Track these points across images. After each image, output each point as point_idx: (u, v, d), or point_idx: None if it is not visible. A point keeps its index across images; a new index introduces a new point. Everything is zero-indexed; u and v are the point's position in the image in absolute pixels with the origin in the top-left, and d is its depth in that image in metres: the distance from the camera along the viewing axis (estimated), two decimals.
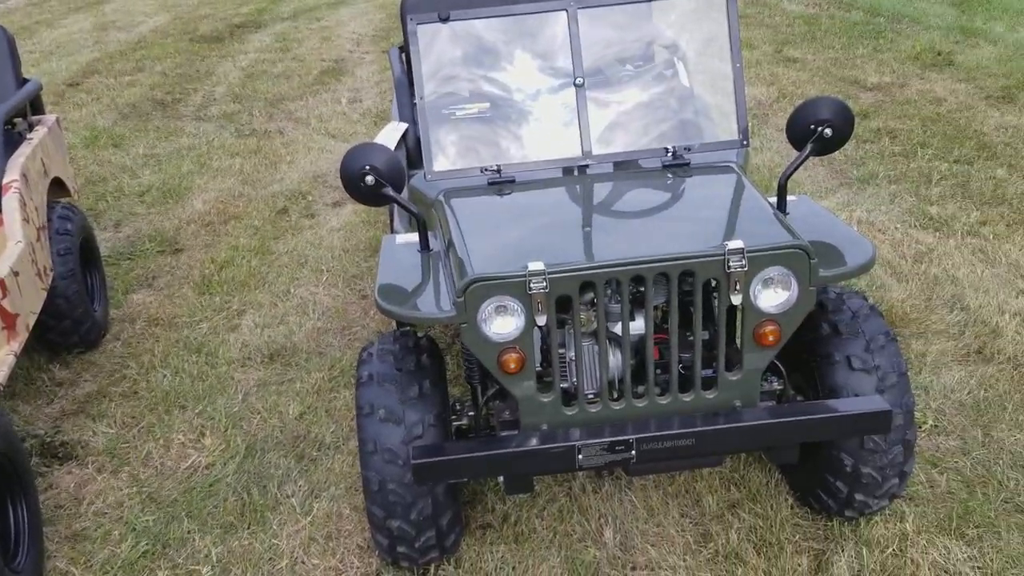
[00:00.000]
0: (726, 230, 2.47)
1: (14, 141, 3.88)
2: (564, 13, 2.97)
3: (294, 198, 5.68)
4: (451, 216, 2.74)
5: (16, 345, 3.17)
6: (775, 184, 2.82)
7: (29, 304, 3.37)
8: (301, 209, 5.53)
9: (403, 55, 4.36)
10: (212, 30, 11.49)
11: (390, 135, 3.69)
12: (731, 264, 2.30)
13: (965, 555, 2.63)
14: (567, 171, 2.95)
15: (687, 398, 2.46)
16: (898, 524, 2.74)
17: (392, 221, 3.92)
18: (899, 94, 7.25)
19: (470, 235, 2.56)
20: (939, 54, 8.36)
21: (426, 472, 2.32)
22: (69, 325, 3.83)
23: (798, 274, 2.34)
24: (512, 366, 2.35)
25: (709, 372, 2.49)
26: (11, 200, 3.50)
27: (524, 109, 3.04)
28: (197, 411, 3.54)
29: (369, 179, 2.59)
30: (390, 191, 2.62)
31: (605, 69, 3.13)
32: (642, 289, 2.38)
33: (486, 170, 2.92)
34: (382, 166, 2.61)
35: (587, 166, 2.94)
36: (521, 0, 3.08)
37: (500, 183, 2.90)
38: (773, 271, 2.34)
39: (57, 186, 4.12)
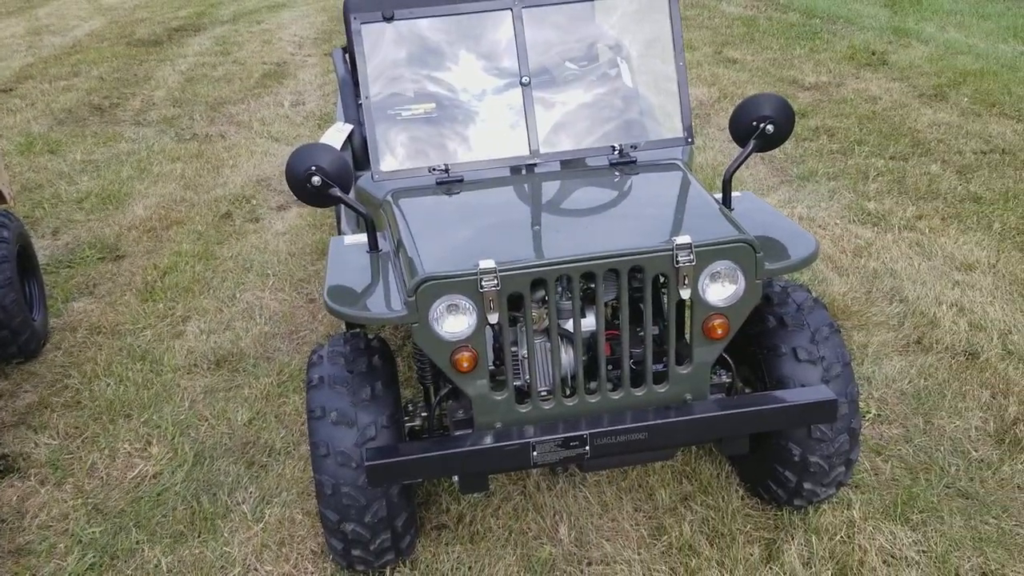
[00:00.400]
0: (673, 226, 2.50)
1: None
2: (509, 12, 2.97)
3: (238, 202, 5.62)
4: (400, 216, 2.73)
5: None
6: (719, 182, 2.86)
7: None
8: (245, 213, 5.46)
9: (347, 56, 4.33)
10: (150, 34, 11.32)
11: (335, 136, 3.67)
12: (679, 259, 2.33)
13: (910, 539, 2.70)
14: (515, 170, 2.96)
15: (639, 393, 2.48)
16: (845, 511, 2.80)
17: (339, 223, 3.90)
18: (836, 93, 7.40)
19: (420, 235, 2.56)
20: (873, 54, 8.55)
21: (380, 474, 2.31)
22: (7, 335, 3.74)
23: (744, 268, 2.38)
24: (465, 365, 2.35)
25: (659, 367, 2.52)
26: None
27: (471, 109, 3.04)
28: (143, 420, 3.48)
29: (316, 180, 2.58)
30: (337, 191, 2.60)
31: (550, 69, 3.15)
32: (592, 286, 2.41)
33: (434, 170, 2.91)
34: (328, 166, 2.60)
35: (535, 165, 2.95)
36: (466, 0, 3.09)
37: (448, 183, 2.90)
38: (720, 265, 2.37)
39: None
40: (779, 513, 2.81)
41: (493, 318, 2.32)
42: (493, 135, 3.02)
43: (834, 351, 2.63)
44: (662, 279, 2.47)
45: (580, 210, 2.68)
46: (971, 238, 4.65)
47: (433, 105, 3.03)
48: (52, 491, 3.14)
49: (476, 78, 3.08)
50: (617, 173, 2.90)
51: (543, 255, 2.36)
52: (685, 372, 2.49)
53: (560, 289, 2.44)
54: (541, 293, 2.42)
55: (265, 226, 5.27)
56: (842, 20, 10.19)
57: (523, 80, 2.95)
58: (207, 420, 3.46)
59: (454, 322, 2.33)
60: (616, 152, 2.96)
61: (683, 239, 2.34)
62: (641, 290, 2.45)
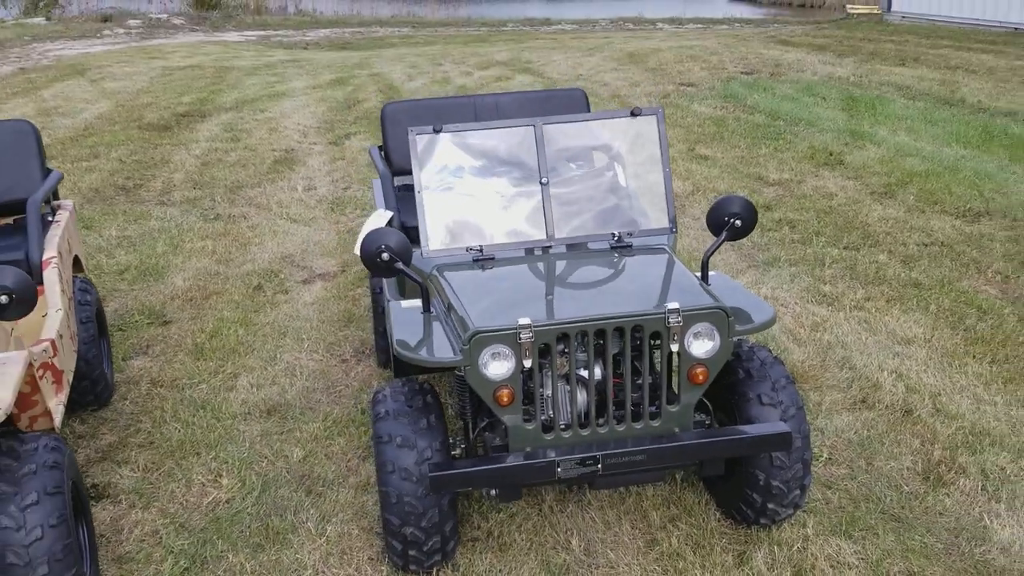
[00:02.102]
0: (665, 295, 3.22)
1: (44, 223, 4.45)
2: (532, 128, 3.73)
3: (267, 276, 6.29)
4: (447, 285, 3.44)
5: (63, 397, 3.71)
6: (695, 264, 3.60)
7: (68, 363, 3.91)
8: (275, 286, 6.14)
9: (383, 153, 5.07)
10: (158, 119, 12.08)
11: (378, 220, 4.40)
12: (670, 320, 3.05)
13: (852, 550, 3.37)
14: (534, 250, 3.68)
15: (638, 426, 3.18)
16: (801, 529, 3.47)
17: (376, 291, 4.59)
18: (797, 189, 8.27)
19: (466, 299, 3.26)
20: (831, 154, 9.48)
21: (442, 483, 2.97)
22: (87, 385, 4.36)
23: (720, 328, 3.10)
24: (505, 400, 3.03)
25: (653, 408, 3.20)
26: (52, 274, 4.07)
27: (500, 201, 3.78)
28: (211, 456, 4.09)
29: (385, 256, 3.29)
30: (401, 265, 3.31)
31: (561, 171, 3.91)
32: (601, 341, 3.11)
33: (471, 249, 3.63)
34: (395, 245, 3.31)
35: (550, 247, 3.68)
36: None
37: (482, 260, 3.61)
38: (701, 326, 3.09)
39: (75, 263, 4.68)
40: (748, 530, 3.48)
41: (527, 363, 3.01)
42: (517, 222, 3.75)
43: (790, 397, 3.34)
44: (655, 337, 3.17)
45: (590, 282, 3.40)
46: (911, 317, 5.42)
47: (470, 197, 3.76)
48: (140, 513, 3.74)
49: (504, 178, 3.83)
50: (616, 255, 3.63)
51: (567, 315, 3.06)
52: (674, 410, 3.19)
53: (577, 343, 3.13)
54: (562, 346, 3.11)
55: (294, 297, 5.94)
56: (803, 122, 11.17)
57: (542, 180, 3.69)
58: (267, 457, 4.08)
59: (497, 366, 3.02)
60: (615, 238, 3.70)
61: (673, 305, 3.05)
62: (639, 345, 3.16)
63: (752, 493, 3.35)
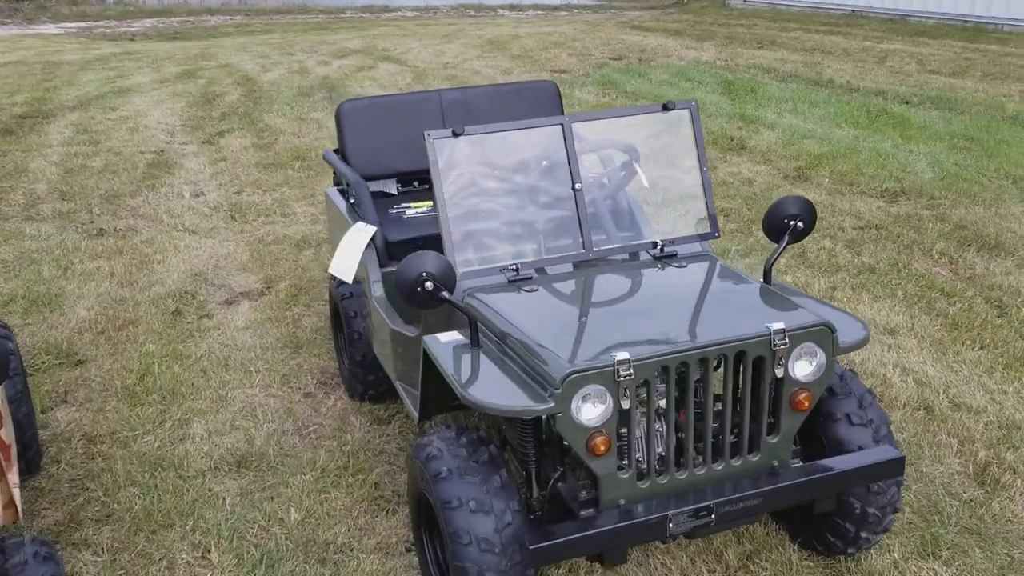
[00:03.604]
0: (760, 313, 2.85)
1: None
2: (560, 127, 3.29)
3: (182, 299, 5.55)
4: (494, 312, 2.96)
5: (16, 476, 3.00)
6: None
7: (10, 432, 3.19)
8: (195, 310, 5.42)
9: (340, 157, 4.49)
10: None
11: (360, 238, 3.85)
12: (776, 342, 2.69)
13: (948, 574, 3.13)
14: (575, 265, 3.25)
15: (737, 463, 2.81)
16: (888, 554, 3.20)
17: (356, 315, 4.03)
18: (714, 176, 8.12)
19: (531, 329, 2.79)
20: (731, 139, 9.42)
21: (544, 556, 2.50)
22: (18, 450, 3.60)
23: (824, 347, 2.77)
24: (602, 449, 2.59)
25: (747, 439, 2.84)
26: None
27: (530, 212, 3.32)
28: (189, 527, 3.45)
29: (428, 284, 2.77)
30: (446, 294, 2.81)
31: (594, 174, 3.49)
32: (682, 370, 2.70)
33: (505, 269, 3.16)
34: (436, 272, 2.80)
35: (590, 260, 3.25)
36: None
37: (519, 280, 3.14)
38: (807, 345, 2.74)
39: None
40: (832, 561, 3.18)
41: (625, 404, 2.59)
42: (548, 234, 3.31)
43: (878, 414, 3.05)
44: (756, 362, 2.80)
45: (662, 302, 3.00)
46: (884, 305, 5.30)
47: (497, 209, 3.29)
48: None
49: (532, 185, 3.38)
50: (666, 266, 3.25)
51: (665, 345, 2.65)
52: (774, 441, 2.83)
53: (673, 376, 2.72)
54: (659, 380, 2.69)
55: (222, 321, 5.25)
56: None
57: (575, 186, 3.26)
58: (257, 522, 3.47)
59: (591, 410, 2.57)
60: (657, 247, 3.32)
61: (778, 325, 2.70)
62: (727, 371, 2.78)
63: (845, 523, 3.04)
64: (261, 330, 5.12)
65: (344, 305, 4.15)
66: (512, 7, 28.54)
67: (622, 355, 2.55)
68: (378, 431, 4.08)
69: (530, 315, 2.92)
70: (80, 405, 4.34)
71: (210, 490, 3.67)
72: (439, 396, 3.18)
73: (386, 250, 3.94)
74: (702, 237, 3.42)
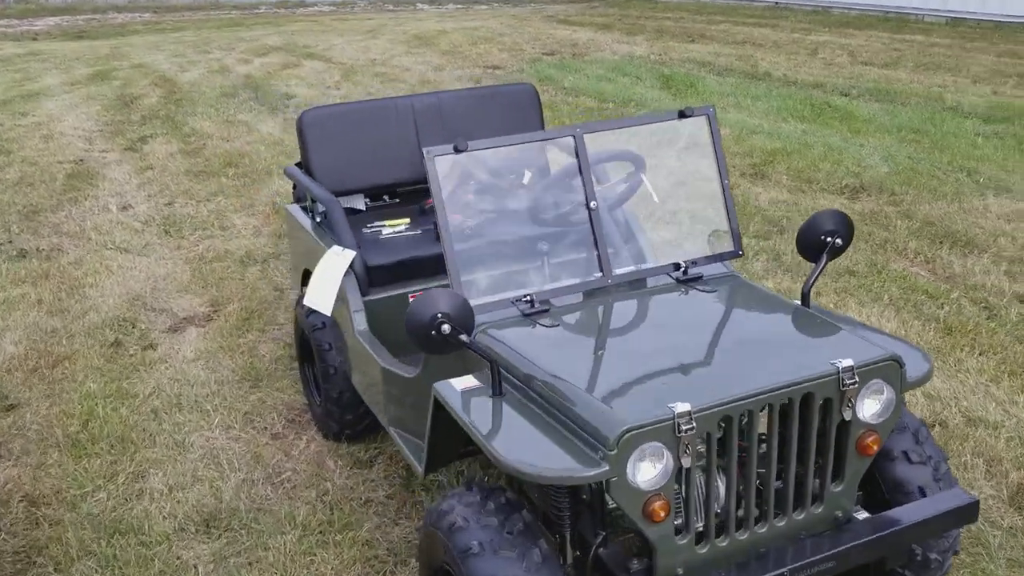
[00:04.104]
0: (822, 347, 2.54)
1: None
2: (571, 139, 2.94)
3: (122, 327, 5.04)
4: (513, 352, 2.60)
5: None
6: None
7: None
8: (137, 340, 4.92)
9: (304, 172, 4.07)
10: None
11: (338, 263, 3.46)
12: (845, 381, 2.39)
13: None
14: (587, 293, 2.91)
15: (799, 516, 2.50)
16: None
17: (330, 347, 3.63)
18: None
19: (565, 374, 2.43)
20: None
21: None
22: None
23: (892, 383, 2.48)
24: (661, 514, 2.25)
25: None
26: None
27: (540, 233, 2.97)
28: None
29: (445, 328, 2.40)
30: (465, 337, 2.44)
31: (606, 190, 3.16)
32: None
33: (518, 300, 2.80)
34: (453, 312, 2.43)
35: (609, 287, 2.92)
36: None
37: (534, 313, 2.79)
38: (875, 383, 2.45)
39: None
40: None
41: (685, 462, 2.25)
42: (563, 259, 2.97)
43: (935, 449, 2.78)
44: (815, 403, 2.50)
45: (704, 335, 2.67)
46: (872, 311, 5.10)
47: (502, 231, 2.93)
48: None
49: (541, 204, 3.04)
50: (691, 290, 2.93)
51: (727, 391, 2.32)
52: (838, 490, 2.53)
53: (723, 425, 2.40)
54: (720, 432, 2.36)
55: (169, 353, 4.76)
56: (633, 104, 10.89)
57: (590, 205, 2.91)
58: None
59: (649, 470, 2.23)
60: (680, 270, 3.00)
61: (846, 362, 2.40)
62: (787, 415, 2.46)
63: (905, 571, 2.76)
64: (213, 361, 4.65)
65: (316, 337, 3.73)
66: (431, 1, 28.04)
67: (682, 406, 2.22)
68: (360, 476, 3.68)
69: (558, 356, 2.56)
70: (17, 459, 3.83)
71: (179, 558, 3.23)
72: (448, 446, 2.81)
73: (367, 276, 3.54)
74: (724, 256, 3.11)
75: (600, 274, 2.92)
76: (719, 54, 14.38)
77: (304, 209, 4.17)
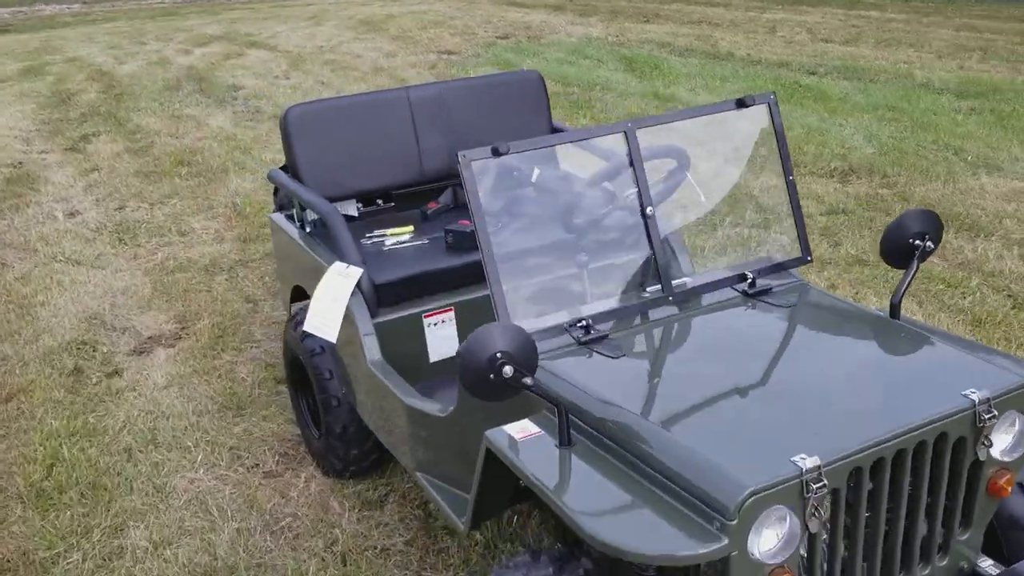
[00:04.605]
0: (945, 374, 2.18)
1: None
2: (623, 135, 2.55)
3: (80, 352, 4.53)
4: (574, 389, 2.20)
5: None
6: None
7: None
8: (99, 366, 4.41)
9: (291, 176, 3.61)
10: None
11: (343, 284, 3.03)
12: (982, 416, 2.04)
13: None
14: (647, 312, 2.52)
15: (924, 572, 2.15)
16: None
17: (322, 366, 3.21)
18: None
19: (653, 419, 2.05)
20: None
21: None
22: None
23: None
24: None
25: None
26: None
27: (588, 245, 2.58)
28: None
29: (507, 370, 2.00)
30: (530, 379, 2.04)
31: (660, 194, 2.78)
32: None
33: (572, 326, 2.40)
34: (515, 350, 2.03)
35: (670, 303, 2.54)
36: None
37: (590, 340, 2.39)
38: (1010, 415, 2.11)
39: None
40: None
41: (813, 527, 1.88)
42: (618, 273, 2.58)
43: None
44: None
45: (799, 363, 2.30)
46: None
47: (548, 243, 2.53)
48: None
49: (593, 211, 2.64)
50: (763, 305, 2.57)
51: (854, 438, 1.94)
52: (964, 538, 2.19)
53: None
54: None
55: (137, 379, 4.27)
56: (599, 88, 10.51)
57: (647, 211, 2.53)
58: None
59: (771, 539, 1.86)
60: (748, 281, 2.63)
61: (981, 393, 2.05)
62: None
63: None
64: (188, 387, 4.17)
65: (315, 364, 3.29)
66: None
67: (811, 460, 1.84)
68: (372, 519, 3.26)
69: (634, 395, 2.17)
70: None
71: None
72: (496, 498, 2.41)
73: (375, 295, 3.11)
74: (791, 263, 2.75)
75: (658, 288, 2.54)
76: (677, 34, 14.07)
77: (290, 218, 3.72)
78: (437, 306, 3.18)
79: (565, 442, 2.13)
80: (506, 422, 2.19)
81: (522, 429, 2.22)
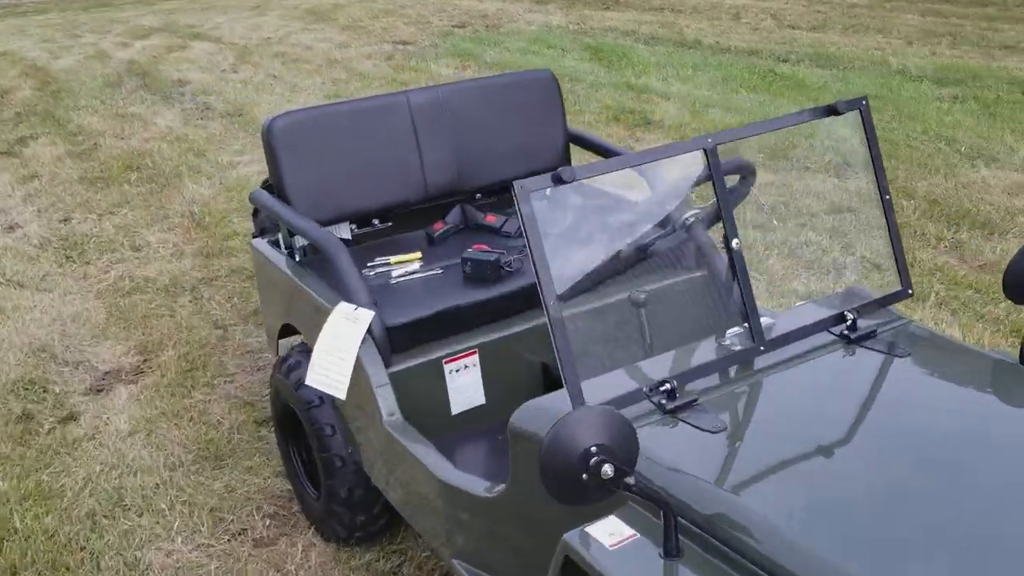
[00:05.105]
0: None
1: None
2: (703, 153, 2.11)
3: (29, 393, 3.98)
4: (677, 479, 1.77)
5: None
6: None
7: None
8: (51, 410, 3.87)
9: (276, 197, 3.11)
10: None
11: (352, 330, 2.55)
12: None
13: None
14: (738, 372, 2.10)
15: None
16: None
17: (318, 406, 2.73)
18: None
19: (787, 520, 1.62)
20: (633, 113, 8.46)
21: None
22: None
23: None
24: None
25: None
26: None
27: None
28: None
29: (607, 469, 1.56)
30: (633, 479, 1.60)
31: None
32: None
33: (653, 390, 1.96)
34: (614, 442, 1.59)
35: (760, 353, 2.12)
36: None
37: (678, 408, 1.96)
38: None
39: None
40: None
41: None
42: (701, 321, 2.14)
43: None
44: None
45: (948, 437, 1.88)
46: (927, 315, 4.44)
47: (621, 286, 2.09)
48: None
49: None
50: (872, 351, 2.16)
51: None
52: None
53: None
54: None
55: (96, 426, 3.74)
56: (567, 79, 10.06)
57: (732, 244, 2.11)
58: None
59: None
60: (848, 324, 2.22)
61: None
62: None
63: None
64: (156, 434, 3.66)
65: (313, 418, 2.81)
66: None
67: None
68: None
69: (750, 485, 1.74)
70: None
71: None
72: None
73: (387, 340, 2.63)
74: (891, 299, 2.35)
75: (742, 333, 2.12)
76: (640, 22, 13.68)
77: (275, 244, 3.23)
78: (459, 349, 2.72)
79: (673, 552, 1.69)
80: (576, 508, 1.74)
81: (613, 532, 1.77)
